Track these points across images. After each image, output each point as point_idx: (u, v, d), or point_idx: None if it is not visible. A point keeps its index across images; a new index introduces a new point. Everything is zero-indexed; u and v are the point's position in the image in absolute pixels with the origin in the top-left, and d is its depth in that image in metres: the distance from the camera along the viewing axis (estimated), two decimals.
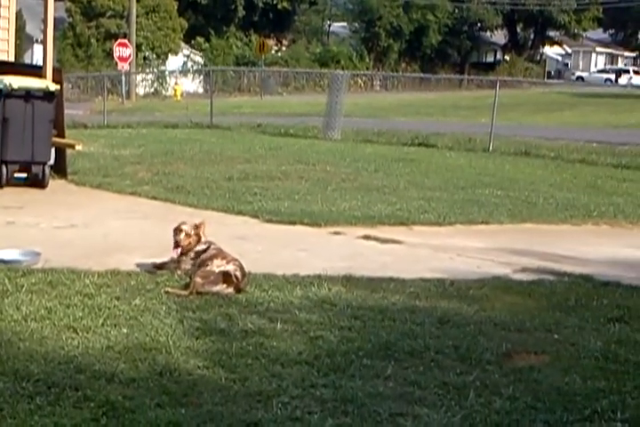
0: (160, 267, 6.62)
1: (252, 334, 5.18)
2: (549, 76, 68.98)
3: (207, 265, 6.20)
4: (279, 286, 6.32)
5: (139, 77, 45.99)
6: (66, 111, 12.24)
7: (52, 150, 11.18)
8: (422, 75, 53.53)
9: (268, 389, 4.34)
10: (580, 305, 6.23)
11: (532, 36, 73.19)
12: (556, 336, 5.46)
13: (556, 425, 4.06)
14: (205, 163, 14.07)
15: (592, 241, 8.95)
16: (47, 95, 10.77)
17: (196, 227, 6.59)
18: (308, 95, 43.56)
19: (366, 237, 8.47)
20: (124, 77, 37.11)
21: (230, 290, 6.03)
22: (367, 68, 59.56)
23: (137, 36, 44.55)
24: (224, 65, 52.78)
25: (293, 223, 9.05)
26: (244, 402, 4.16)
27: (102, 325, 5.21)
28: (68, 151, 11.95)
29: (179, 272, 6.49)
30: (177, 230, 6.55)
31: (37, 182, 10.92)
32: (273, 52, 59.83)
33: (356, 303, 5.98)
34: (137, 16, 44.86)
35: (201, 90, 48.93)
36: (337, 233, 8.70)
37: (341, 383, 4.46)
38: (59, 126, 11.38)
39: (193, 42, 56.57)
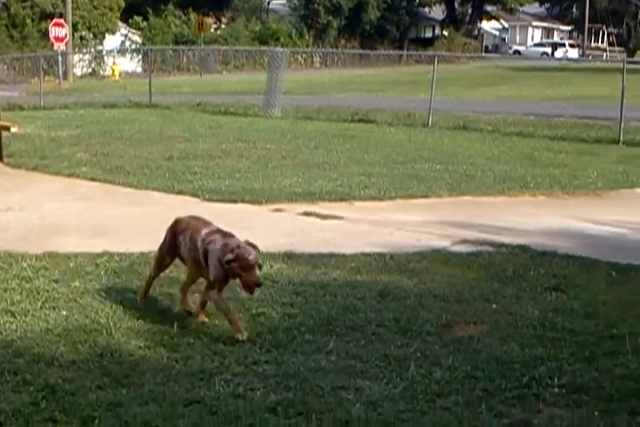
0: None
1: (194, 313, 5.18)
2: (487, 51, 69.36)
3: None
4: None
5: (76, 58, 45.19)
6: (1, 93, 12.01)
7: None
8: (362, 51, 53.53)
9: (210, 367, 4.35)
10: (517, 275, 6.33)
11: (469, 11, 73.48)
12: (494, 306, 5.54)
13: (495, 393, 4.14)
14: (144, 143, 13.93)
15: (529, 212, 9.08)
16: None
17: None
18: (248, 73, 43.32)
19: (307, 214, 8.49)
20: (60, 58, 36.40)
21: None
22: (307, 46, 59.33)
23: (73, 15, 43.69)
24: (163, 44, 52.14)
25: (234, 201, 9.02)
26: (186, 381, 4.16)
27: (41, 308, 5.17)
28: (3, 133, 11.75)
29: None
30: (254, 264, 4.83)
31: None
32: (212, 30, 59.21)
33: (297, 279, 6.01)
34: None
35: (139, 69, 48.25)
36: (278, 210, 8.70)
37: (283, 359, 4.49)
38: None
39: (130, 21, 55.71)
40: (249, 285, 4.74)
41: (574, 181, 11.06)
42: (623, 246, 7.59)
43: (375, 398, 4.04)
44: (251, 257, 4.72)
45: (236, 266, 4.71)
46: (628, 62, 19.35)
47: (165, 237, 5.35)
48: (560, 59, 54.04)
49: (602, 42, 77.56)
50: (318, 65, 56.11)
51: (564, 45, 69.17)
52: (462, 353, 4.68)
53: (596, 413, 3.93)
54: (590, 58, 57.15)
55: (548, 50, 66.49)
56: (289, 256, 6.64)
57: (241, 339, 4.70)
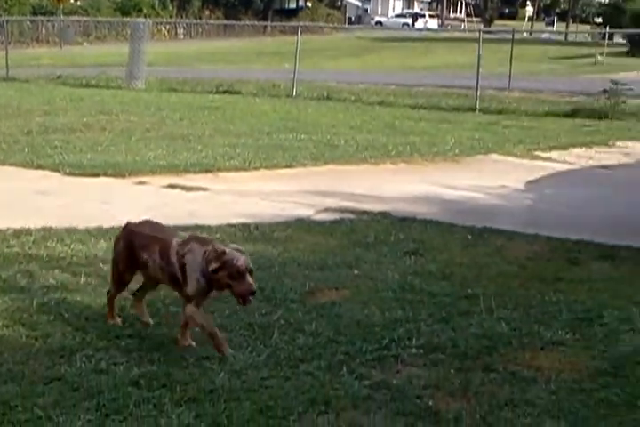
0: None
1: (55, 289, 5.08)
2: (350, 22, 69.81)
3: None
4: (82, 239, 6.21)
5: None
6: None
7: None
8: (226, 22, 52.99)
9: (71, 343, 4.29)
10: (378, 241, 6.48)
11: None
12: (356, 272, 5.66)
13: (356, 356, 4.24)
14: (1, 117, 13.48)
15: (390, 179, 9.28)
16: None
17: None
18: (110, 45, 42.34)
19: (172, 186, 8.43)
20: None
21: None
22: (170, 17, 58.21)
23: None
24: (20, 15, 50.22)
25: (96, 175, 8.86)
26: (46, 359, 4.09)
27: None
28: None
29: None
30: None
31: None
32: (72, 0, 57.41)
33: None
34: None
35: None
36: (142, 183, 8.60)
37: (147, 333, 4.47)
38: None
39: None
40: (242, 294, 4.15)
41: (433, 148, 11.34)
42: (478, 210, 7.87)
43: (239, 366, 4.08)
44: (240, 263, 4.12)
45: (223, 275, 4.13)
46: (484, 32, 19.89)
47: (119, 251, 4.57)
48: (420, 29, 55.00)
49: (460, 12, 79.22)
50: (182, 36, 55.27)
51: (424, 16, 70.43)
52: (325, 319, 4.76)
53: (452, 371, 4.08)
54: (449, 28, 58.41)
55: (409, 21, 67.57)
56: None
57: (227, 354, 4.19)
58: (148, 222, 4.64)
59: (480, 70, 17.06)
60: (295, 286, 5.30)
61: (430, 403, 3.72)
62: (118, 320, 4.58)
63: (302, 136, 12.11)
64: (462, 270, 5.76)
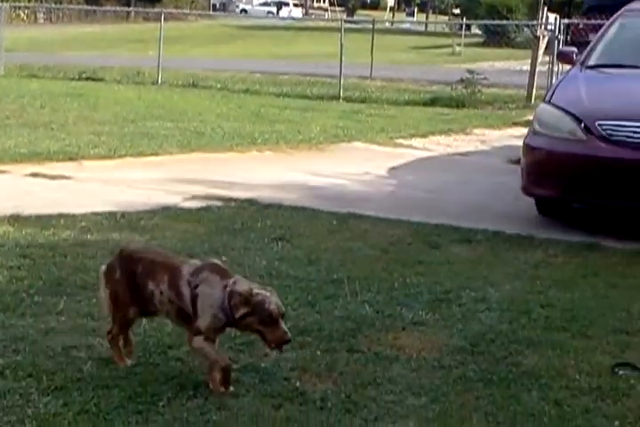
0: None
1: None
2: (215, 9, 69.32)
3: None
4: None
5: None
6: None
7: None
8: (87, 7, 51.63)
9: None
10: (245, 227, 6.56)
11: None
12: (223, 258, 5.69)
13: (225, 341, 4.24)
14: None
15: (257, 167, 9.37)
16: None
17: None
18: None
19: (34, 175, 8.27)
20: None
21: None
22: (29, 1, 56.47)
23: None
24: None
25: None
26: None
27: None
28: None
29: None
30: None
31: None
32: None
33: (24, 242, 5.87)
34: None
35: None
36: (2, 172, 8.39)
37: (11, 322, 4.41)
38: None
39: None
40: (274, 342, 3.65)
41: (298, 136, 11.48)
42: (343, 197, 8.06)
43: (107, 355, 4.07)
44: (272, 307, 3.59)
45: (253, 321, 3.61)
46: (346, 22, 20.21)
47: (113, 283, 3.91)
48: (285, 18, 55.22)
49: (324, 2, 79.78)
50: (42, 21, 53.69)
51: (288, 5, 70.68)
52: None
53: (319, 352, 4.20)
54: (313, 17, 58.85)
55: (274, 9, 67.66)
56: (15, 219, 6.44)
57: (225, 391, 3.71)
58: (148, 247, 4.18)
59: (343, 59, 17.29)
60: None
61: (297, 384, 3.83)
62: (128, 362, 3.97)
63: (168, 124, 12.04)
64: (328, 255, 5.90)
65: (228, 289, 3.62)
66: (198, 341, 3.72)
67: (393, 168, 9.77)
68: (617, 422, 3.59)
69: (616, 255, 6.23)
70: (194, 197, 7.60)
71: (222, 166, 9.30)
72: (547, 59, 16.66)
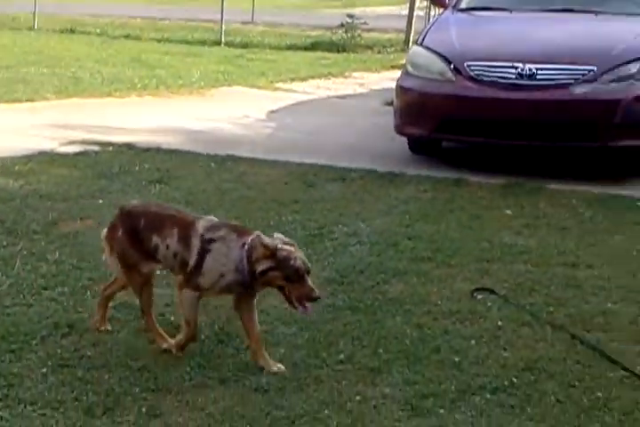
0: None
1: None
2: None
3: None
4: None
5: None
6: None
7: None
8: None
9: None
10: (123, 171, 6.58)
11: None
12: (100, 202, 5.75)
13: (100, 280, 4.32)
14: None
15: (136, 111, 9.29)
16: None
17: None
18: None
19: None
20: None
21: None
22: None
23: None
24: None
25: None
26: None
27: None
28: None
29: None
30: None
31: None
32: None
33: None
34: None
35: None
36: None
37: None
38: None
39: None
40: (300, 300, 3.46)
41: (179, 80, 11.41)
42: (222, 140, 8.12)
43: None
44: (299, 263, 3.41)
45: (277, 276, 3.44)
46: None
47: (116, 242, 3.73)
48: None
49: None
50: None
51: None
52: (69, 248, 4.85)
53: None
54: None
55: None
56: None
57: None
58: (152, 203, 4.05)
59: (225, 4, 17.11)
60: (38, 218, 5.34)
61: (172, 318, 3.95)
62: (171, 341, 3.69)
63: (45, 70, 11.78)
64: (205, 196, 6.00)
65: (247, 246, 3.43)
66: (191, 295, 3.56)
67: (272, 111, 9.85)
68: (473, 342, 3.85)
69: (482, 190, 6.51)
70: (71, 142, 7.53)
71: (100, 111, 9.20)
72: (425, 3, 16.86)
